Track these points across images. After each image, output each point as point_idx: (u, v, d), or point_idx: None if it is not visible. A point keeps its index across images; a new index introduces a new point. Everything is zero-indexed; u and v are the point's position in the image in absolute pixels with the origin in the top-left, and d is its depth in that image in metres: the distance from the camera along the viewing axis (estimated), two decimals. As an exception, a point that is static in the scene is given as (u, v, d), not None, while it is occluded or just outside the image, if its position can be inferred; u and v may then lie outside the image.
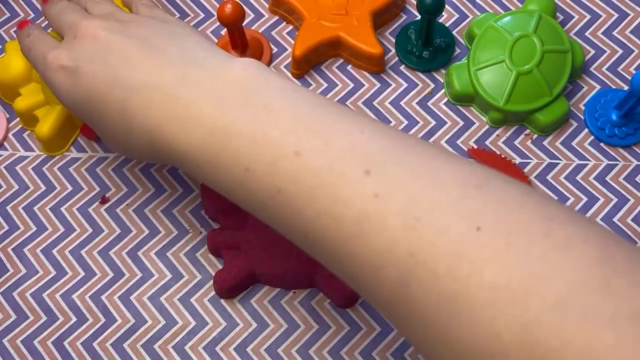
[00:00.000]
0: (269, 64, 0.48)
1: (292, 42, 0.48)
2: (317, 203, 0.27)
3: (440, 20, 0.49)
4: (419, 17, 0.48)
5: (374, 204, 0.26)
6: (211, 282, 0.42)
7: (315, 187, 0.27)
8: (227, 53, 0.34)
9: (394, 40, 0.48)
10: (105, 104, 0.34)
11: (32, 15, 0.51)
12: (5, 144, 0.47)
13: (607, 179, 0.44)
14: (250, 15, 0.50)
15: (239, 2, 0.45)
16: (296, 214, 0.28)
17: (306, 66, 0.47)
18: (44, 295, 0.42)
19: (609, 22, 0.48)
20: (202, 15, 0.50)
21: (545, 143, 0.45)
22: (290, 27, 0.49)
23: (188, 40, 0.35)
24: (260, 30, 0.49)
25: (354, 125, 0.29)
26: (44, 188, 0.45)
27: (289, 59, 0.48)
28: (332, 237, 0.27)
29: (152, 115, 0.32)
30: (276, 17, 0.50)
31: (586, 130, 0.45)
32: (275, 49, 0.49)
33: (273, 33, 0.49)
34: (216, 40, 0.49)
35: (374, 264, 0.26)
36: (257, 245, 0.40)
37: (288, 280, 0.40)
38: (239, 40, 0.46)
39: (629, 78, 0.46)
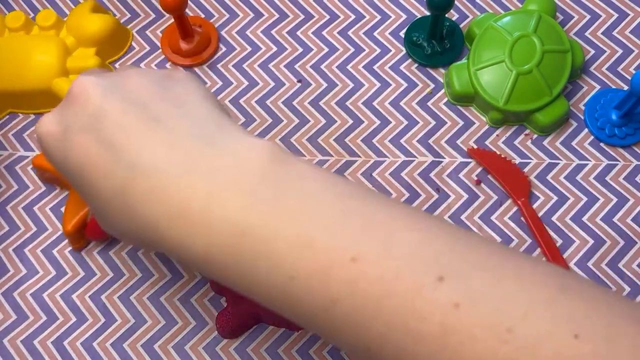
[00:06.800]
0: (214, 52, 0.48)
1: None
2: (385, 316, 0.24)
3: (440, 20, 0.49)
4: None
5: (456, 316, 0.23)
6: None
7: (381, 297, 0.24)
8: (237, 124, 0.29)
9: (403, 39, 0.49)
10: (104, 181, 0.28)
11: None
12: (6, 144, 0.47)
13: (607, 179, 0.44)
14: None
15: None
16: (358, 327, 0.25)
17: (81, 240, 0.43)
18: (44, 295, 0.42)
19: (609, 22, 0.48)
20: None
21: (545, 143, 0.45)
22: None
23: (194, 104, 0.30)
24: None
25: (414, 222, 0.26)
26: (44, 188, 0.45)
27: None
28: (409, 353, 0.24)
29: (155, 207, 0.27)
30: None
31: (586, 130, 0.45)
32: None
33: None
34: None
35: None
36: None
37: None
38: (182, 28, 0.47)
39: (629, 78, 0.46)
